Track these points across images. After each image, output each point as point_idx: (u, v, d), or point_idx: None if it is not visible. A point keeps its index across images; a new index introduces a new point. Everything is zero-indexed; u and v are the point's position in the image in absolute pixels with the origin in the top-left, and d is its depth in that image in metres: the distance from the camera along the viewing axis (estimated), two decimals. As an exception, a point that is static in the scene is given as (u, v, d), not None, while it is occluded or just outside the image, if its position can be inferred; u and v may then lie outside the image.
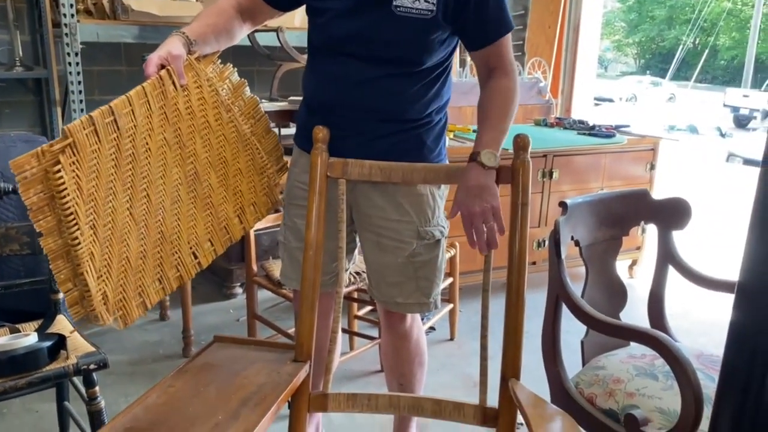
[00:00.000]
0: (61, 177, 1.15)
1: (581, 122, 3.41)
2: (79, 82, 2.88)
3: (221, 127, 1.43)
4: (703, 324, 2.96)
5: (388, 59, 1.41)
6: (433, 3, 1.36)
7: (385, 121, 1.46)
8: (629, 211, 1.72)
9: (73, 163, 1.18)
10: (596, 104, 13.49)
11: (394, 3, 1.36)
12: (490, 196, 1.34)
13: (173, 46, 1.34)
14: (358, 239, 1.62)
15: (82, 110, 2.81)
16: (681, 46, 24.07)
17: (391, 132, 1.47)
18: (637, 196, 1.76)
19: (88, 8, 2.95)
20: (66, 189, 1.16)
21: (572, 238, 1.58)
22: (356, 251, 1.70)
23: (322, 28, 1.46)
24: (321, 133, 1.38)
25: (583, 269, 1.64)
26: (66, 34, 2.75)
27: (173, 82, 1.34)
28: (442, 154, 1.57)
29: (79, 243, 1.17)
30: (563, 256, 1.53)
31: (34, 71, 3.07)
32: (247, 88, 1.52)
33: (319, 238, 1.36)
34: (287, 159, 1.60)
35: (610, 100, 18.83)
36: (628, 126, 3.51)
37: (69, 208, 1.16)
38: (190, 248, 1.40)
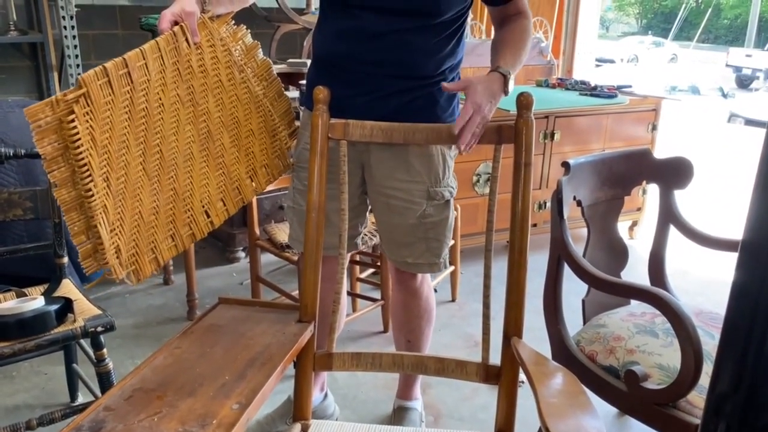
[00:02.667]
0: (75, 127, 1.16)
1: (583, 83, 3.38)
2: (75, 47, 2.85)
3: (234, 87, 1.42)
4: (702, 283, 2.99)
5: (404, 10, 1.39)
6: None
7: (397, 77, 1.44)
8: (631, 170, 1.72)
9: (87, 113, 1.18)
10: (597, 65, 13.35)
11: None
12: (494, 106, 1.36)
13: (187, 3, 1.33)
14: (368, 200, 1.62)
15: (79, 74, 2.78)
16: (683, 6, 23.68)
17: (404, 89, 1.45)
18: (639, 155, 1.75)
19: (81, -30, 2.90)
20: (80, 139, 1.17)
21: (574, 198, 1.58)
22: (368, 212, 1.70)
23: None
24: (321, 93, 1.36)
25: (584, 230, 1.65)
26: (60, -2, 2.71)
27: (186, 39, 1.33)
28: (455, 114, 1.56)
29: (92, 194, 1.19)
30: (565, 216, 1.53)
31: (29, 35, 3.03)
32: (260, 51, 1.50)
33: (321, 200, 1.35)
34: (298, 123, 1.60)
35: (612, 61, 18.62)
36: (630, 87, 3.48)
37: (83, 158, 1.18)
38: (203, 207, 1.40)
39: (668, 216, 1.76)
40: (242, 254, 3.07)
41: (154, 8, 3.24)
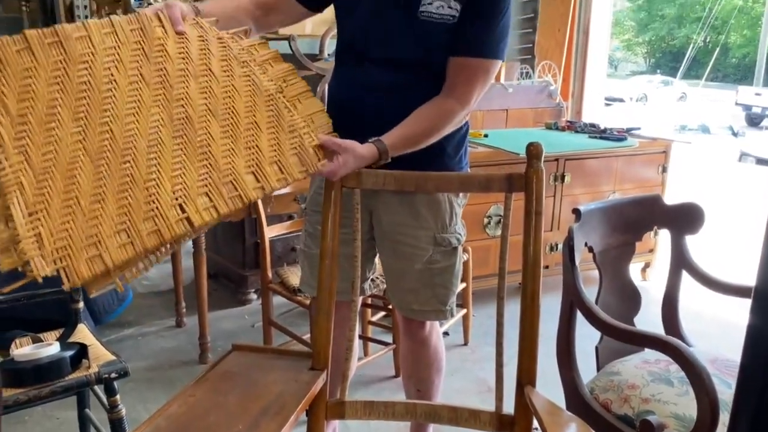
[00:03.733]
0: None
1: (592, 125, 3.41)
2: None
3: (230, 79, 1.30)
4: (717, 326, 2.96)
5: (406, 62, 1.43)
6: (456, 9, 1.38)
7: None
8: (642, 216, 1.73)
9: None
10: (607, 104, 13.41)
11: (420, 9, 1.38)
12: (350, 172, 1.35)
13: (171, 1, 1.31)
14: (376, 245, 1.64)
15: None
16: (691, 45, 23.94)
17: None
18: (649, 201, 1.76)
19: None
20: None
21: (586, 245, 1.59)
22: (377, 258, 1.71)
23: (346, 30, 1.50)
24: (336, 142, 1.40)
25: (596, 272, 1.65)
26: None
27: (163, 26, 1.27)
28: (463, 161, 1.58)
29: (3, 168, 1.05)
30: (577, 263, 1.54)
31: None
32: (283, 62, 1.39)
33: (334, 246, 1.38)
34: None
35: (621, 100, 18.75)
36: (639, 129, 3.51)
37: None
38: (176, 199, 1.17)
39: (680, 262, 1.76)
40: (254, 296, 3.08)
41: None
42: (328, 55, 3.23)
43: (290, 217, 2.70)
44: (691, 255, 1.76)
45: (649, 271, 3.47)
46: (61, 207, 1.08)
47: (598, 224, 1.63)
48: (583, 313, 1.52)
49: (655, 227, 1.82)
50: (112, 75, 1.18)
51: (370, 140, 1.37)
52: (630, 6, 27.67)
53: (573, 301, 1.55)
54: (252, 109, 1.29)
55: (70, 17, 2.91)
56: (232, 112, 1.27)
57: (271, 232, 2.30)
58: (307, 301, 2.09)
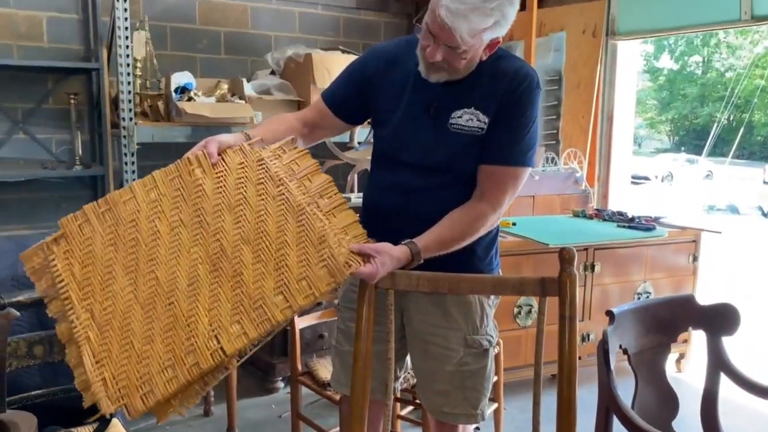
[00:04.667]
0: (56, 265, 1.30)
1: (620, 214, 3.42)
2: (134, 180, 3.03)
3: (263, 202, 1.37)
4: (760, 420, 2.84)
5: (437, 169, 1.49)
6: (484, 122, 1.44)
7: None
8: (675, 317, 1.71)
9: (67, 252, 1.32)
10: (633, 182, 13.41)
11: (450, 121, 1.45)
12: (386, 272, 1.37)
13: (220, 136, 1.45)
14: (407, 345, 1.64)
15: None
16: (716, 123, 24.06)
17: None
18: (682, 302, 1.75)
19: (144, 110, 3.14)
20: (60, 275, 1.29)
21: (620, 347, 1.57)
22: (407, 357, 1.71)
23: (381, 139, 1.57)
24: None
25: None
26: (124, 136, 2.92)
27: (201, 166, 1.40)
28: (493, 263, 1.60)
29: (75, 327, 1.27)
30: (612, 366, 1.52)
31: (91, 169, 3.24)
32: (322, 174, 1.44)
33: (368, 347, 1.39)
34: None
35: (646, 179, 18.74)
36: (666, 217, 3.50)
37: (64, 292, 1.29)
38: (212, 331, 1.25)
39: (718, 364, 1.73)
40: (282, 384, 3.06)
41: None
42: (358, 143, 3.33)
43: (318, 304, 2.71)
44: (728, 357, 1.73)
45: (684, 362, 3.38)
46: (119, 351, 1.25)
47: (631, 326, 1.62)
48: (619, 419, 1.49)
49: (690, 327, 1.79)
50: (155, 226, 1.35)
51: (403, 242, 1.40)
52: (652, 86, 28.09)
53: (609, 406, 1.52)
54: (283, 228, 1.35)
55: (115, 109, 3.06)
56: (264, 235, 1.35)
57: (301, 322, 2.31)
58: (337, 397, 2.07)
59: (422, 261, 1.42)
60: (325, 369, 2.22)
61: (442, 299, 1.54)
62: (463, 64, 1.39)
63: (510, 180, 1.48)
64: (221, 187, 1.39)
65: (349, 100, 1.59)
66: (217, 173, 1.40)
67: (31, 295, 1.66)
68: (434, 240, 1.43)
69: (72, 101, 3.16)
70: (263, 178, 1.40)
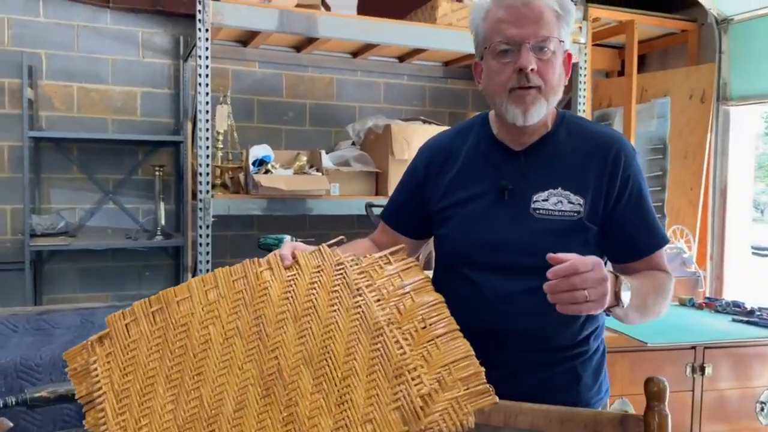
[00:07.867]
0: (96, 369, 1.13)
1: (736, 305, 2.99)
2: (208, 252, 3.00)
3: (336, 314, 1.16)
4: None
5: (526, 269, 1.20)
6: (579, 204, 1.22)
7: (529, 349, 1.26)
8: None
9: (109, 354, 1.14)
10: (754, 254, 12.21)
11: (532, 206, 1.24)
12: (601, 289, 1.04)
13: (298, 243, 1.26)
14: None
15: (208, 270, 2.91)
16: None
17: (539, 363, 1.27)
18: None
19: (225, 182, 3.14)
20: (99, 382, 1.12)
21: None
22: None
23: (448, 239, 1.33)
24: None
25: None
26: (200, 209, 2.92)
27: (271, 268, 1.22)
28: (602, 391, 1.35)
29: None
30: None
31: (172, 239, 3.27)
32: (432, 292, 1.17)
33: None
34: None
35: (770, 250, 17.21)
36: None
37: (101, 403, 1.12)
38: None
39: None
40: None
41: (283, 217, 3.41)
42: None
43: None
44: None
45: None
46: None
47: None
48: None
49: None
50: (209, 333, 1.17)
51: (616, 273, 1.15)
52: (774, 149, 26.24)
53: None
54: (353, 351, 1.12)
55: (193, 180, 3.08)
56: (330, 356, 1.13)
57: None
58: None
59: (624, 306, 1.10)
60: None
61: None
62: (555, 79, 1.21)
63: (662, 258, 1.30)
64: (289, 292, 1.19)
65: (407, 214, 1.41)
66: (287, 277, 1.21)
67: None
68: (638, 285, 1.15)
69: (157, 173, 3.23)
70: (338, 285, 1.18)
